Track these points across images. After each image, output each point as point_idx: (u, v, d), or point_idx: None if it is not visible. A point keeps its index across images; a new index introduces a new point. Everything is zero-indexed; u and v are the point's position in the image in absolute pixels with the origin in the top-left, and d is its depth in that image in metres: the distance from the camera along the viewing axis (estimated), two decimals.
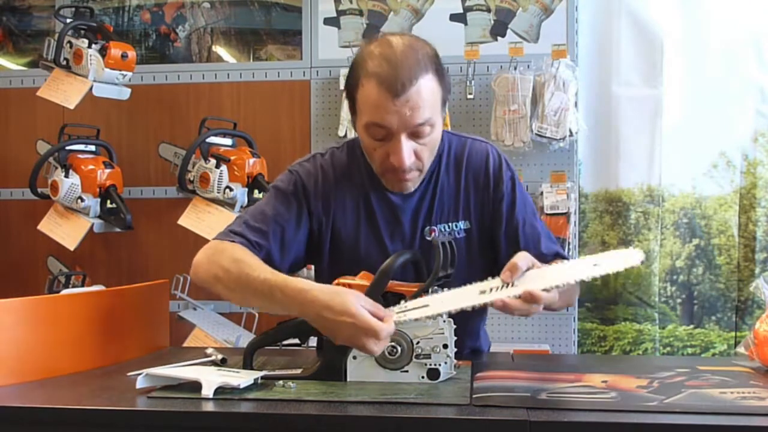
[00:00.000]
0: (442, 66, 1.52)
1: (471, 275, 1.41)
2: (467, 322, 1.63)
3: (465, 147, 1.67)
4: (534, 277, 1.32)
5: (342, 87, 3.01)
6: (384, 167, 1.54)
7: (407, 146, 1.48)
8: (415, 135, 1.49)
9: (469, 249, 1.63)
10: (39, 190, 2.92)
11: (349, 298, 1.32)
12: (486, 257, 1.65)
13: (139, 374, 1.35)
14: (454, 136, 1.70)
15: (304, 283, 1.39)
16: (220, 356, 1.59)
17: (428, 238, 1.60)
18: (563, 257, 1.67)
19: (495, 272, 1.41)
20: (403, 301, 1.37)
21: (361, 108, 1.50)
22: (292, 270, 1.64)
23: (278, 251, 1.59)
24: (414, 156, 1.50)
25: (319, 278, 1.66)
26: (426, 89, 1.45)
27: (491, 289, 1.33)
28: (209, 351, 1.62)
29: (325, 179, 1.63)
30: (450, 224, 1.62)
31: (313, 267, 1.75)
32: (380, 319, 1.31)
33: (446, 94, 1.53)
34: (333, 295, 1.34)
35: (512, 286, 1.31)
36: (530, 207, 1.70)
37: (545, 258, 1.59)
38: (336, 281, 1.44)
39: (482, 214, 1.65)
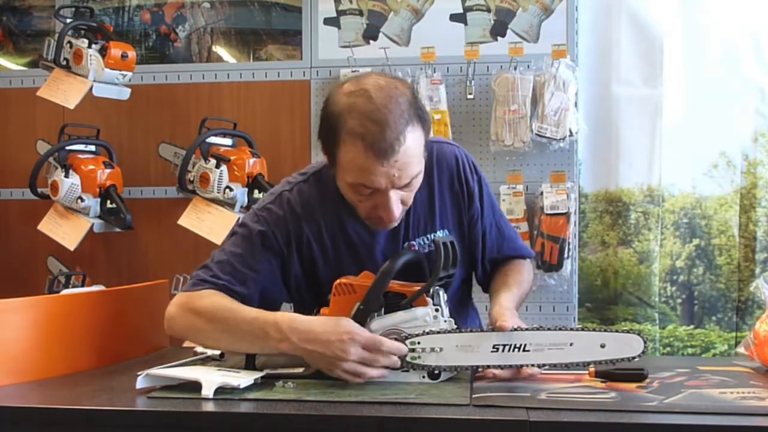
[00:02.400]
0: (421, 106, 1.46)
1: (455, 278, 1.48)
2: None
3: (432, 153, 1.60)
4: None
5: None
6: (370, 216, 1.50)
7: (395, 200, 1.45)
8: (403, 187, 1.45)
9: None
10: (39, 190, 2.92)
11: (344, 322, 1.36)
12: (466, 259, 1.66)
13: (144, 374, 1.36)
14: None
15: (293, 315, 1.41)
16: (218, 352, 1.60)
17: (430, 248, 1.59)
18: (521, 256, 1.74)
19: (474, 272, 1.70)
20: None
21: (344, 167, 1.44)
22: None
23: (250, 298, 1.54)
24: (401, 204, 1.47)
25: (304, 311, 1.60)
26: (413, 144, 1.41)
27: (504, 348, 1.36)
28: (198, 350, 1.63)
29: (294, 219, 1.57)
30: (429, 236, 1.60)
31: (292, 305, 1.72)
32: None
33: (426, 135, 1.47)
34: (329, 321, 1.37)
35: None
36: (496, 208, 1.72)
37: (502, 259, 1.70)
38: (338, 281, 1.44)
39: (459, 219, 1.64)
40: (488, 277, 1.71)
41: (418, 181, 1.49)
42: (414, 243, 1.59)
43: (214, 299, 1.49)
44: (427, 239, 1.60)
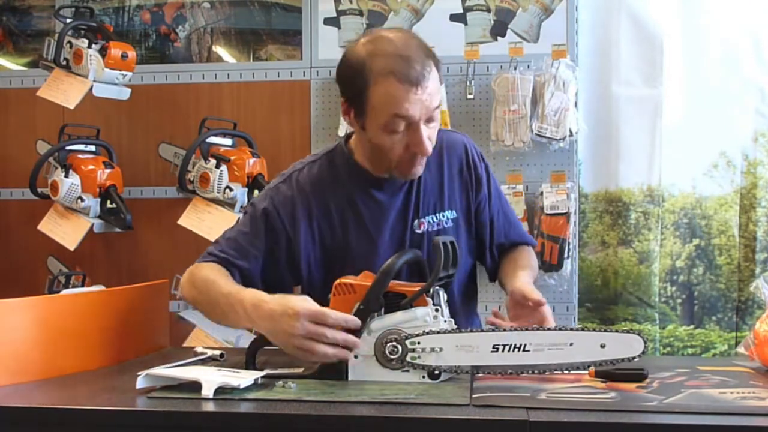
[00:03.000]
0: (432, 50, 1.56)
1: (461, 261, 1.52)
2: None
3: (442, 139, 1.69)
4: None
5: None
6: (401, 159, 1.55)
7: (426, 132, 1.52)
8: (428, 120, 1.52)
9: (457, 237, 1.65)
10: (39, 190, 2.92)
11: (294, 299, 1.38)
12: (472, 243, 1.73)
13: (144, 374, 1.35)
14: None
15: (259, 294, 1.44)
16: (218, 352, 1.60)
17: (418, 231, 1.65)
18: (527, 243, 1.81)
19: (480, 258, 1.75)
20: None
21: (376, 108, 1.50)
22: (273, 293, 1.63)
23: (251, 272, 1.62)
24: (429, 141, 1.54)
25: (313, 292, 1.65)
26: (434, 74, 1.50)
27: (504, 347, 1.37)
28: (198, 350, 1.63)
29: (303, 198, 1.64)
30: (438, 215, 1.67)
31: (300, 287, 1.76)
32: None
33: (441, 82, 1.57)
34: (282, 299, 1.39)
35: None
36: (502, 195, 1.80)
37: (509, 245, 1.78)
38: (338, 281, 1.44)
39: (467, 203, 1.71)
40: (496, 264, 1.77)
41: (438, 119, 1.56)
42: (423, 221, 1.65)
43: (208, 272, 1.57)
44: (436, 218, 1.66)
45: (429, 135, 1.53)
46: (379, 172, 1.63)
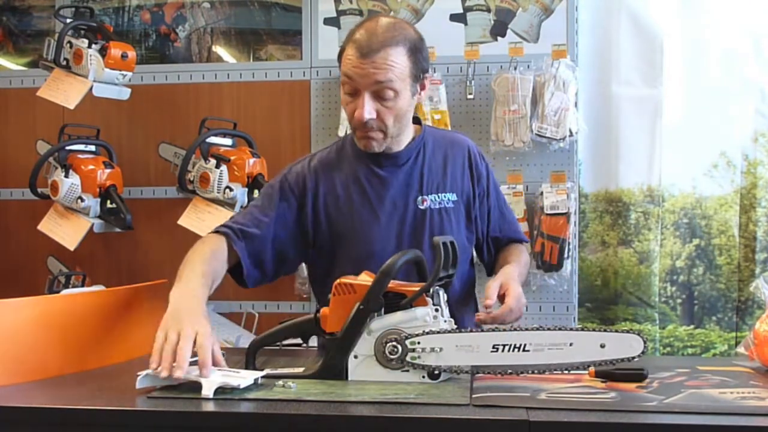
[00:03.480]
0: (420, 49, 1.70)
1: (460, 244, 1.57)
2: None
3: (447, 137, 1.91)
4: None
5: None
6: (353, 124, 1.72)
7: (369, 103, 1.66)
8: (378, 96, 1.66)
9: (458, 218, 1.82)
10: (39, 190, 2.92)
11: (198, 319, 1.41)
12: (470, 229, 1.86)
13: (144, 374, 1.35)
14: (434, 129, 1.95)
15: (187, 288, 1.51)
16: None
17: (421, 207, 1.78)
18: (519, 240, 1.95)
19: (478, 252, 1.92)
20: None
21: (341, 68, 1.69)
22: (280, 263, 1.78)
23: (262, 238, 1.73)
24: (376, 114, 1.67)
25: (318, 268, 1.85)
26: (393, 57, 1.64)
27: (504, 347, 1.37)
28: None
29: (312, 175, 1.81)
30: (439, 195, 1.80)
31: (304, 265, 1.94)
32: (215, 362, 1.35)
33: (418, 72, 1.70)
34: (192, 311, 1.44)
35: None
36: (500, 194, 1.95)
37: (504, 240, 1.92)
38: (338, 281, 1.44)
39: (468, 191, 1.85)
40: (492, 259, 1.92)
41: (398, 103, 1.68)
42: (426, 198, 1.79)
43: (205, 246, 1.68)
44: (438, 198, 1.80)
45: (378, 109, 1.67)
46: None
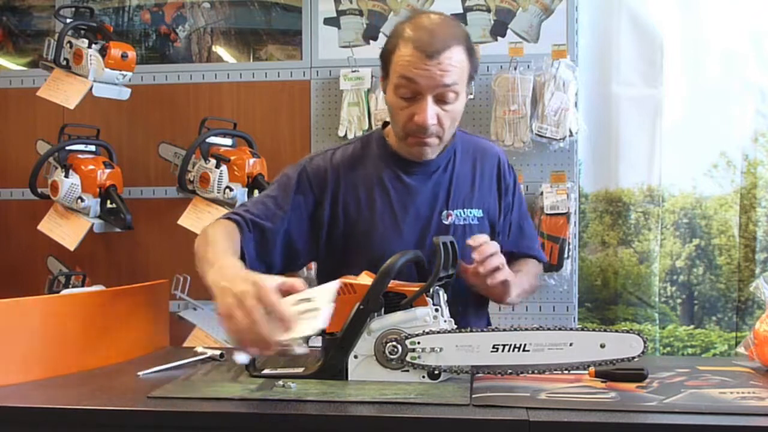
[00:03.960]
0: (473, 47, 1.61)
1: None
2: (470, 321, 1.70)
3: (478, 143, 1.80)
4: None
5: (342, 87, 3.04)
6: (407, 129, 1.60)
7: (432, 108, 1.56)
8: (440, 99, 1.56)
9: None
10: (39, 190, 2.92)
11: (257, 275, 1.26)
12: None
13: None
14: (464, 134, 1.80)
15: (225, 263, 1.35)
16: (217, 353, 1.60)
17: (445, 222, 1.68)
18: (535, 257, 1.86)
19: None
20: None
21: (394, 69, 1.58)
22: (289, 261, 1.67)
23: (273, 233, 1.63)
24: (437, 120, 1.57)
25: (326, 268, 1.72)
26: (456, 57, 1.54)
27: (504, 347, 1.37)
28: (198, 350, 1.63)
29: (334, 172, 1.69)
30: (465, 210, 1.71)
31: (314, 266, 1.80)
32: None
33: (473, 72, 1.62)
34: (239, 270, 1.30)
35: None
36: (523, 209, 1.86)
37: (518, 255, 1.81)
38: (338, 281, 1.44)
39: (494, 207, 1.76)
40: None
41: (456, 106, 1.59)
42: (452, 212, 1.70)
43: (220, 229, 1.56)
44: (463, 213, 1.70)
45: (438, 114, 1.57)
46: (398, 146, 1.68)
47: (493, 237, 1.71)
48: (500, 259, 1.55)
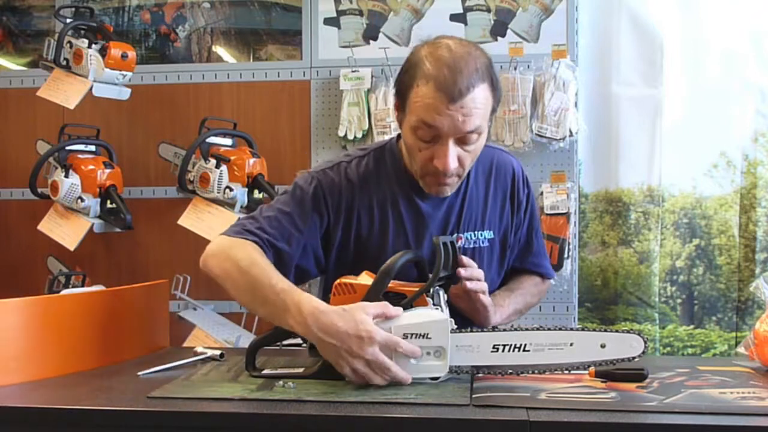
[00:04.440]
0: (496, 76, 1.54)
1: (489, 282, 1.52)
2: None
3: (493, 158, 1.70)
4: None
5: (342, 87, 3.03)
6: (426, 170, 1.53)
7: (453, 151, 1.48)
8: (461, 141, 1.48)
9: (490, 258, 1.67)
10: (39, 190, 2.92)
11: (366, 319, 1.32)
12: (501, 267, 1.72)
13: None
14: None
15: (318, 302, 1.37)
16: (217, 353, 1.60)
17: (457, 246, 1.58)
18: (540, 275, 1.78)
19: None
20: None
21: (412, 107, 1.49)
22: (298, 280, 1.62)
23: (290, 256, 1.57)
24: (457, 161, 1.50)
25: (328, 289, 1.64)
26: (480, 98, 1.46)
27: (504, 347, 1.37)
28: (198, 350, 1.63)
29: (348, 188, 1.61)
30: (476, 233, 1.65)
31: (319, 279, 1.74)
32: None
33: (497, 104, 1.54)
34: (349, 317, 1.33)
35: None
36: (534, 223, 1.76)
37: (520, 271, 1.75)
38: (338, 281, 1.44)
39: (504, 228, 1.70)
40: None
41: (479, 144, 1.52)
42: (462, 236, 1.63)
43: (255, 254, 1.50)
44: (474, 236, 1.64)
45: (460, 155, 1.50)
46: (415, 177, 1.60)
47: (503, 257, 1.70)
48: (482, 286, 1.52)
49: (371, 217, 1.61)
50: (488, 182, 1.68)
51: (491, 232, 1.67)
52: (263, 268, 1.46)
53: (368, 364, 1.31)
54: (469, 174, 1.63)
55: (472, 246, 1.64)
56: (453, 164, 1.49)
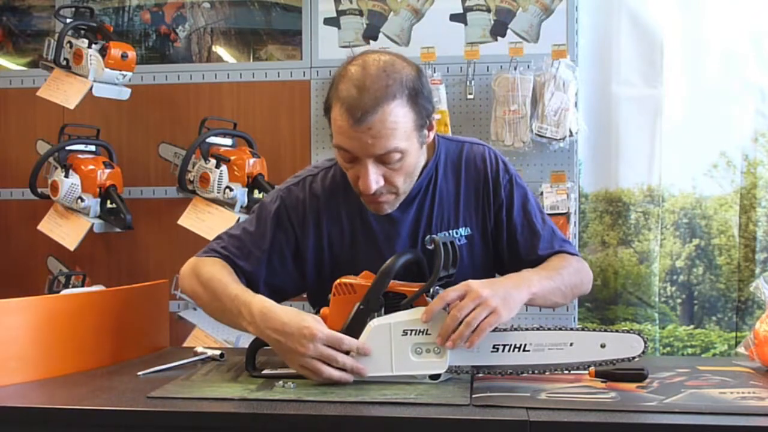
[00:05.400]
0: (420, 90, 1.45)
1: (473, 278, 1.41)
2: None
3: (462, 152, 1.64)
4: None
5: None
6: (358, 190, 1.51)
7: (373, 171, 1.45)
8: (382, 161, 1.44)
9: (471, 255, 1.62)
10: (39, 190, 2.92)
11: (309, 318, 1.36)
12: (488, 261, 1.65)
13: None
14: (449, 142, 1.66)
15: (268, 302, 1.42)
16: (218, 353, 1.60)
17: (429, 248, 1.45)
18: (565, 252, 1.62)
19: (504, 274, 1.53)
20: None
21: (333, 128, 1.47)
22: (277, 298, 1.53)
23: (253, 275, 1.59)
24: (383, 180, 1.46)
25: (320, 301, 1.60)
26: (391, 117, 1.40)
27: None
28: (198, 350, 1.63)
29: (313, 203, 1.60)
30: (450, 232, 1.60)
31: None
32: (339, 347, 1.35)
33: (422, 119, 1.47)
34: (295, 314, 1.37)
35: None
36: (532, 206, 1.64)
37: (541, 260, 1.60)
38: (338, 281, 1.44)
39: (483, 221, 1.63)
40: None
41: (406, 162, 1.46)
42: (436, 237, 1.54)
43: (215, 268, 1.54)
44: (449, 234, 1.59)
45: (385, 174, 1.45)
46: None
47: (485, 251, 1.63)
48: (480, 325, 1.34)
49: (341, 228, 1.60)
50: (458, 178, 1.61)
51: (467, 228, 1.61)
52: (220, 280, 1.50)
53: (315, 359, 1.34)
54: (437, 172, 1.60)
55: (448, 239, 1.54)
56: (375, 185, 1.45)
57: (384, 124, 1.40)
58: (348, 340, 1.35)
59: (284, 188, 1.63)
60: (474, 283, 1.37)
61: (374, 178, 1.45)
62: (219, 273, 1.53)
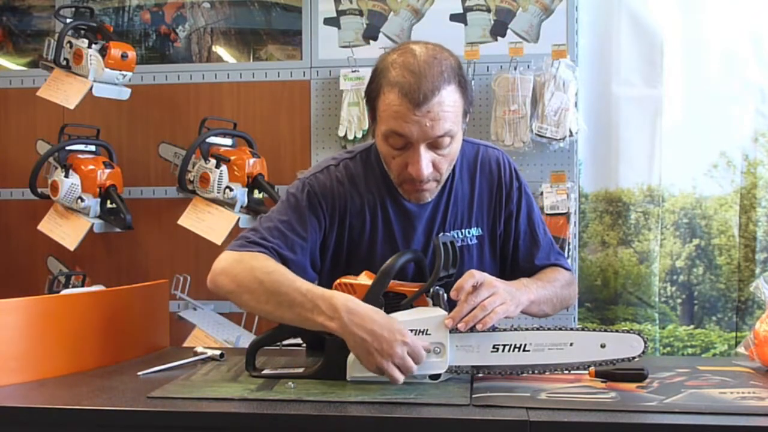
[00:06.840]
0: (466, 77, 1.51)
1: None
2: None
3: (477, 154, 1.67)
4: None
5: (342, 87, 3.03)
6: (402, 177, 1.52)
7: (426, 157, 1.47)
8: (434, 146, 1.47)
9: (481, 255, 1.64)
10: (39, 190, 2.92)
11: (396, 323, 1.35)
12: (495, 263, 1.67)
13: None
14: (465, 143, 1.67)
15: (351, 298, 1.38)
16: (218, 353, 1.60)
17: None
18: (560, 266, 1.70)
19: (504, 278, 1.51)
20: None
21: (381, 116, 1.48)
22: None
23: (296, 263, 1.55)
24: (432, 167, 1.49)
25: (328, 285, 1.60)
26: (448, 100, 1.44)
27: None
28: (198, 350, 1.63)
29: (340, 191, 1.60)
30: (463, 231, 1.62)
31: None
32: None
33: (468, 106, 1.52)
34: (385, 317, 1.36)
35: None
36: (534, 218, 1.70)
37: (536, 269, 1.66)
38: (338, 281, 1.44)
39: (493, 223, 1.66)
40: None
41: (453, 147, 1.50)
42: (449, 234, 1.60)
43: (268, 262, 1.49)
44: (461, 234, 1.62)
45: (434, 160, 1.48)
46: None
47: (493, 253, 1.66)
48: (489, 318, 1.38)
49: (362, 219, 1.60)
50: (473, 179, 1.65)
51: (479, 228, 1.64)
52: (282, 273, 1.46)
53: (396, 364, 1.32)
54: (454, 172, 1.61)
55: (460, 244, 1.61)
56: (427, 170, 1.48)
57: (442, 107, 1.43)
58: (424, 357, 1.34)
59: (310, 176, 1.62)
60: (488, 275, 1.42)
61: (426, 164, 1.47)
62: (276, 266, 1.48)
